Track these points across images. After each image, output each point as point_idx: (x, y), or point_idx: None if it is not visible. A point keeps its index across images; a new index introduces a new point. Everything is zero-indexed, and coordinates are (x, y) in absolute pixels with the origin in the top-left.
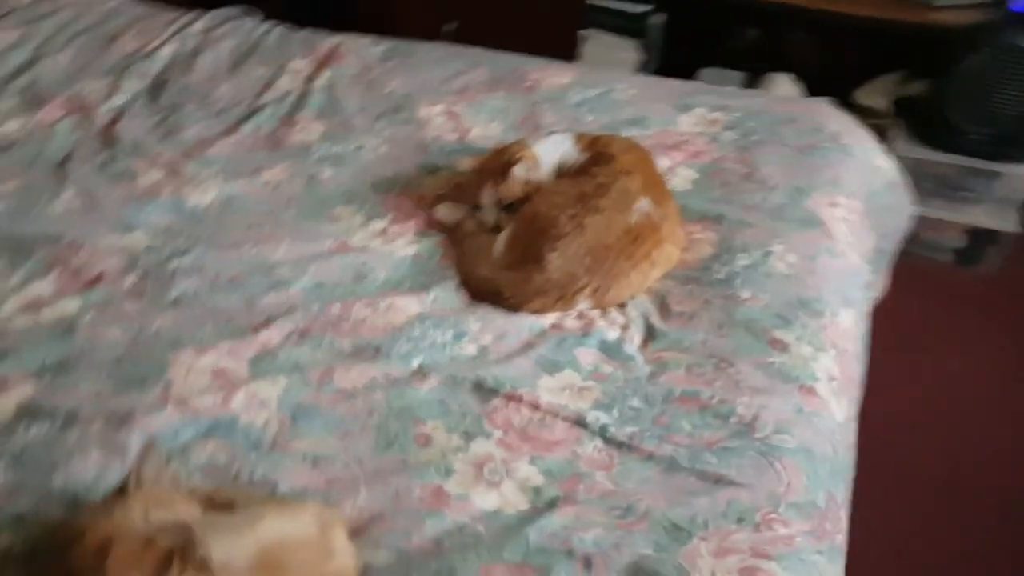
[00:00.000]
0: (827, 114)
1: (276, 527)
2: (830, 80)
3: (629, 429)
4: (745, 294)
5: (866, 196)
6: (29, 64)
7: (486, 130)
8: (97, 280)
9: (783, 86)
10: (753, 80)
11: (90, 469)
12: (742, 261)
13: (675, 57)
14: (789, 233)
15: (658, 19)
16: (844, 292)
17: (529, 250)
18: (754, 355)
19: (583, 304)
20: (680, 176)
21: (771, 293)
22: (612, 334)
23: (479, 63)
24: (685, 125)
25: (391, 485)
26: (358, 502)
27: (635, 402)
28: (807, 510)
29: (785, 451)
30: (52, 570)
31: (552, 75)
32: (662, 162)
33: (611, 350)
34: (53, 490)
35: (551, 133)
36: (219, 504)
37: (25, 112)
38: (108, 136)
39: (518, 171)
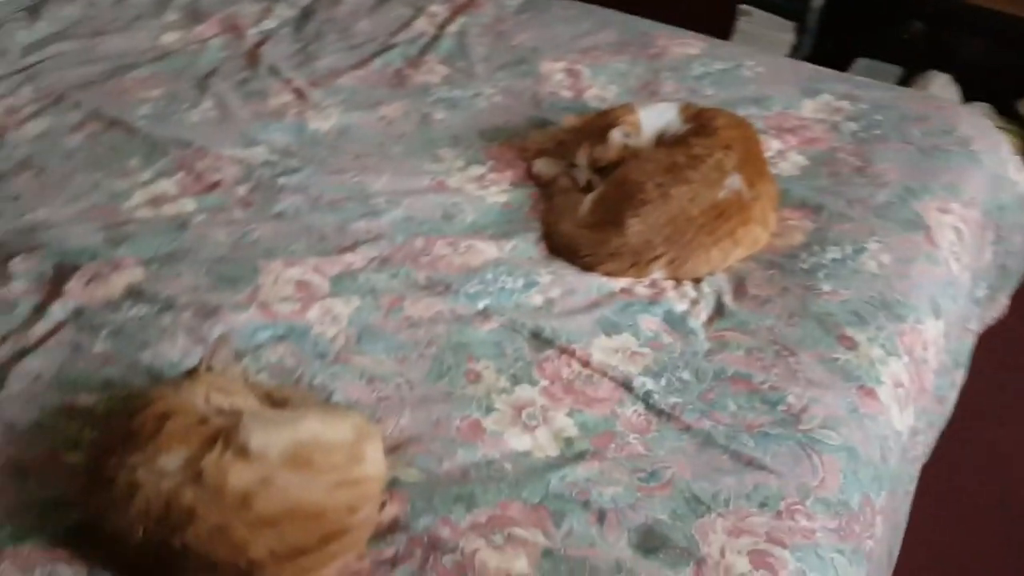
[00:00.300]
0: (962, 117)
1: (314, 428)
2: (994, 86)
3: (673, 399)
4: (826, 287)
5: (989, 208)
6: None
7: (603, 91)
8: (215, 186)
9: (939, 86)
10: (909, 77)
11: (175, 352)
12: (832, 254)
13: (832, 44)
14: (889, 233)
15: (819, 2)
16: (936, 301)
17: (612, 213)
18: (819, 348)
19: (658, 273)
20: (790, 161)
21: (854, 290)
22: (680, 306)
23: (609, 24)
24: (807, 110)
25: (434, 412)
26: (401, 422)
27: (685, 375)
28: (836, 508)
29: (827, 447)
30: (118, 429)
31: (680, 44)
32: (774, 144)
33: (675, 321)
34: (141, 364)
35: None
36: (275, 400)
37: (184, 27)
38: (252, 57)
39: (615, 135)
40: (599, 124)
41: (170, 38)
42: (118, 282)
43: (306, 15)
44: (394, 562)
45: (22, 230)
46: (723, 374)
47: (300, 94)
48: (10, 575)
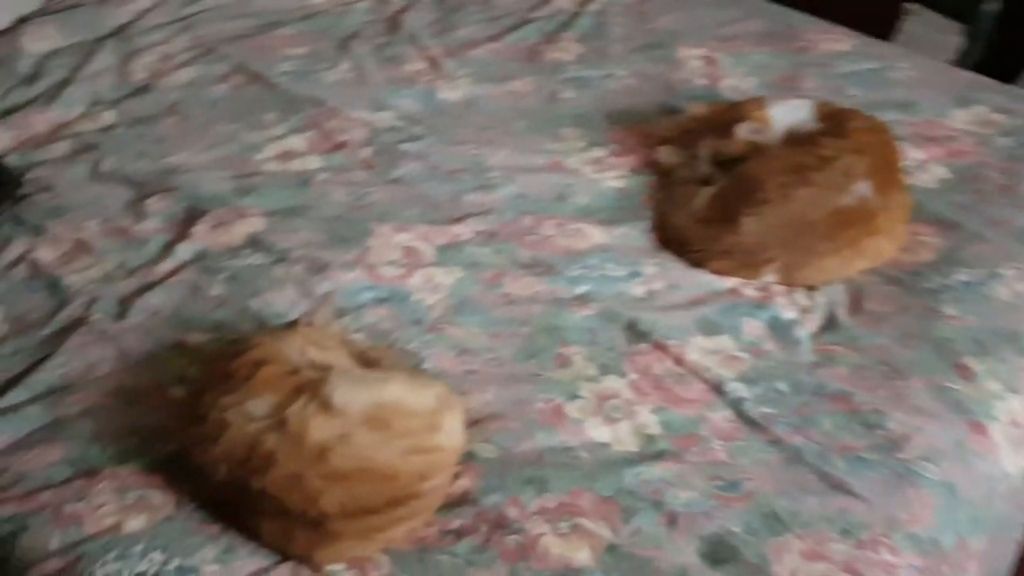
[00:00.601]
0: None
1: (398, 391)
2: None
3: (765, 410)
4: (949, 311)
5: None
6: None
7: (740, 82)
8: (340, 146)
9: None
10: None
11: (283, 302)
12: (961, 276)
13: (1004, 52)
14: None
15: (992, 6)
16: None
17: (728, 209)
18: (931, 375)
19: (770, 277)
20: (930, 172)
21: (979, 317)
22: (788, 314)
23: (757, 13)
24: (957, 120)
25: (519, 392)
26: (485, 397)
27: (782, 386)
28: (925, 546)
29: (924, 480)
30: (217, 370)
31: (829, 40)
32: (915, 154)
33: (780, 329)
34: (250, 311)
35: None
36: (368, 360)
37: None
38: (393, 22)
39: (741, 130)
40: (727, 116)
41: None
42: (241, 230)
43: None
44: (459, 534)
45: (161, 172)
46: (823, 390)
47: (434, 63)
48: (106, 494)
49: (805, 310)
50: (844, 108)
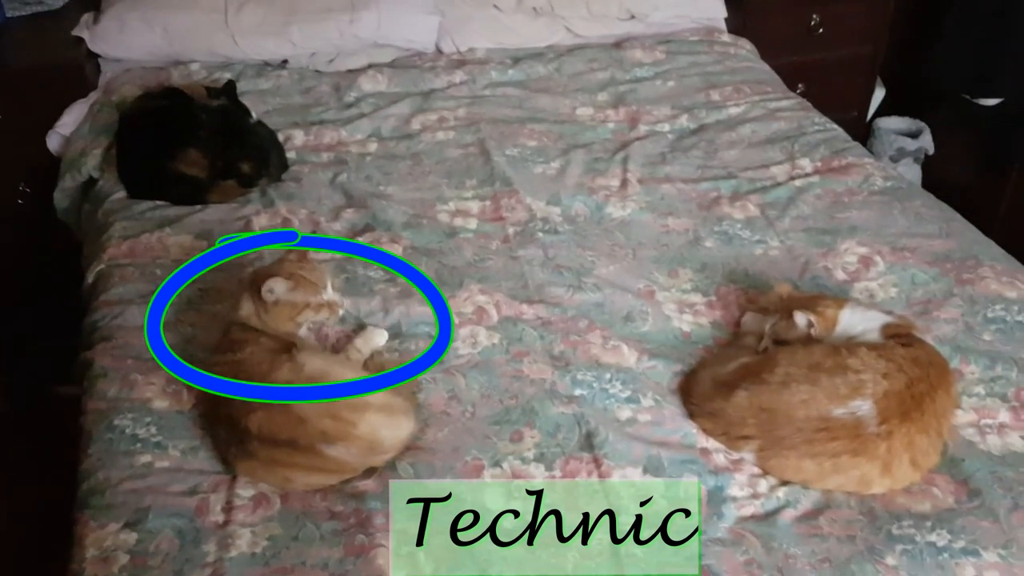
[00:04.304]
0: None
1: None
2: None
3: None
4: (891, 560)
5: None
6: None
7: (879, 290)
8: (499, 219)
9: None
10: None
11: (365, 308)
12: (939, 540)
13: None
14: None
15: None
16: None
17: (738, 379)
18: None
19: (747, 454)
20: (1005, 441)
21: None
22: (735, 491)
23: (952, 236)
24: None
25: (463, 442)
26: (437, 435)
27: None
28: None
29: None
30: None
31: (1004, 283)
32: (996, 420)
33: (715, 499)
34: None
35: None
36: (377, 363)
37: (601, 107)
38: (623, 145)
39: (798, 319)
40: (801, 303)
41: (585, 112)
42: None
43: (696, 131)
44: (333, 515)
45: (369, 194)
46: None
47: (624, 184)
48: (163, 382)
49: (756, 495)
50: (917, 336)
